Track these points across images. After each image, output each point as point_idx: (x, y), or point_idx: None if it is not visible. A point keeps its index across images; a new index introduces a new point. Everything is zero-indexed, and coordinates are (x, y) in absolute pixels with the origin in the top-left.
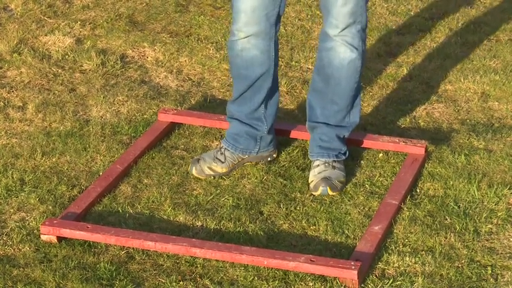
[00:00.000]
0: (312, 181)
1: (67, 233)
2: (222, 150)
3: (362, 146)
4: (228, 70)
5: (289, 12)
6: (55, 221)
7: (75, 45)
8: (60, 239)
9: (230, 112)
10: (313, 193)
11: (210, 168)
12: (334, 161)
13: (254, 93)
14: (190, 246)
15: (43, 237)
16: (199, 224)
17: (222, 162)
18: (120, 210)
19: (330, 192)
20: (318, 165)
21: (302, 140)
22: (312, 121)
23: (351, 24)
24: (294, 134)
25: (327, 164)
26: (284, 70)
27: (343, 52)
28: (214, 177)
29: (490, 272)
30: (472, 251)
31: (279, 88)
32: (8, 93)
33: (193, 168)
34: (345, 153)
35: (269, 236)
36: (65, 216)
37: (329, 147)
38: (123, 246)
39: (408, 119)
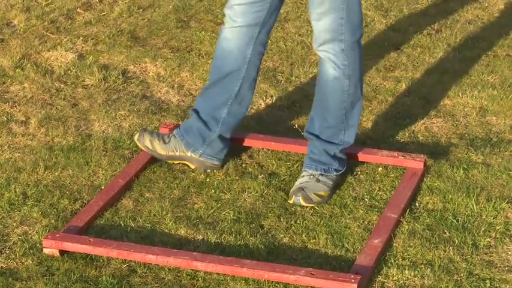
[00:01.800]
0: (292, 189)
1: (69, 246)
2: (171, 135)
3: (361, 160)
4: None
5: (289, 28)
6: (57, 235)
7: (77, 60)
8: (62, 252)
9: (195, 103)
10: (289, 201)
11: (150, 142)
12: (321, 174)
13: (220, 92)
14: (191, 259)
15: (45, 251)
16: (200, 237)
17: (164, 143)
18: (122, 224)
19: (303, 203)
20: (303, 175)
21: (302, 154)
22: (308, 132)
23: (330, 41)
24: (292, 148)
25: (311, 176)
26: (284, 85)
27: (327, 68)
28: (153, 156)
29: (488, 285)
30: (470, 265)
31: (248, 109)
32: (11, 108)
33: (138, 134)
34: (337, 170)
35: (269, 249)
36: (67, 230)
37: (318, 160)
38: (125, 260)
39: (407, 134)
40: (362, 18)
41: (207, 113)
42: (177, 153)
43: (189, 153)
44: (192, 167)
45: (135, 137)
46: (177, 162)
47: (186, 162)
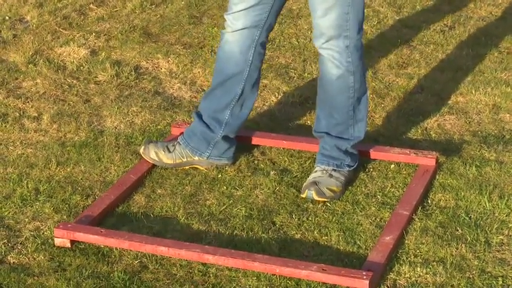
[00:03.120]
0: (304, 184)
1: (81, 236)
2: (175, 142)
3: (374, 157)
4: None
5: (302, 24)
6: (69, 225)
7: (89, 56)
8: (73, 243)
9: (198, 107)
10: (302, 195)
11: (156, 153)
12: (334, 169)
13: (223, 93)
14: (203, 252)
15: (57, 241)
16: (212, 233)
17: (169, 152)
18: (134, 220)
19: (316, 197)
20: (316, 171)
21: (314, 151)
22: (317, 131)
23: (335, 37)
24: (305, 146)
25: (324, 171)
26: (297, 82)
27: (330, 68)
28: (160, 166)
29: (501, 282)
30: (483, 262)
31: (251, 110)
32: (24, 103)
33: (143, 147)
34: (349, 165)
35: (281, 246)
36: (79, 221)
37: (330, 155)
38: (137, 256)
39: (420, 131)
40: (364, 16)
41: (210, 116)
42: (184, 160)
43: (196, 158)
44: (202, 169)
45: (141, 151)
46: (187, 167)
47: (195, 166)
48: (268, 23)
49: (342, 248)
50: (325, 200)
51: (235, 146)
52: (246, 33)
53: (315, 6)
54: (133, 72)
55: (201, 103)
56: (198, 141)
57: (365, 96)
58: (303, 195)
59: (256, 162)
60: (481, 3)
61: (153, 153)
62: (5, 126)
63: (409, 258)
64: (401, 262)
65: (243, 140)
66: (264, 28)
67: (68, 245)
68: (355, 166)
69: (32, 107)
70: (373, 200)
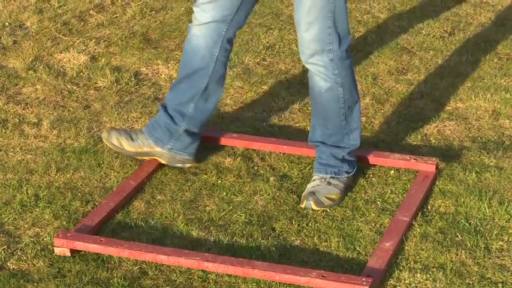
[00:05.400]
0: (303, 194)
1: (80, 246)
2: (138, 132)
3: (373, 163)
4: (241, 87)
5: None
6: (69, 234)
7: (89, 62)
8: (73, 252)
9: (165, 98)
10: (301, 205)
11: (117, 140)
12: (332, 177)
13: (188, 87)
14: (202, 260)
15: (56, 250)
16: (211, 240)
17: (132, 141)
18: (134, 226)
19: (315, 207)
20: (315, 179)
21: (314, 157)
22: (312, 141)
23: (319, 52)
24: (305, 152)
25: (322, 180)
26: (296, 87)
27: (318, 81)
28: (119, 153)
29: None
30: (483, 268)
31: (216, 105)
32: (23, 109)
33: (106, 133)
34: (348, 172)
35: (281, 252)
36: (78, 230)
37: (327, 163)
38: (136, 262)
39: (419, 137)
40: (348, 28)
41: (174, 108)
42: (145, 149)
43: (158, 149)
44: (163, 162)
45: (103, 136)
46: (147, 158)
47: (156, 158)
48: (236, 19)
49: (341, 254)
50: (324, 209)
51: (198, 144)
52: (213, 27)
53: (299, 20)
54: (133, 78)
55: (167, 95)
56: (161, 132)
57: (357, 105)
58: (302, 206)
59: (256, 168)
60: (480, 9)
61: (115, 139)
62: (5, 132)
63: (409, 264)
64: (401, 268)
65: (242, 145)
66: (231, 24)
67: (68, 254)
68: (353, 172)
69: (31, 113)
70: (373, 206)
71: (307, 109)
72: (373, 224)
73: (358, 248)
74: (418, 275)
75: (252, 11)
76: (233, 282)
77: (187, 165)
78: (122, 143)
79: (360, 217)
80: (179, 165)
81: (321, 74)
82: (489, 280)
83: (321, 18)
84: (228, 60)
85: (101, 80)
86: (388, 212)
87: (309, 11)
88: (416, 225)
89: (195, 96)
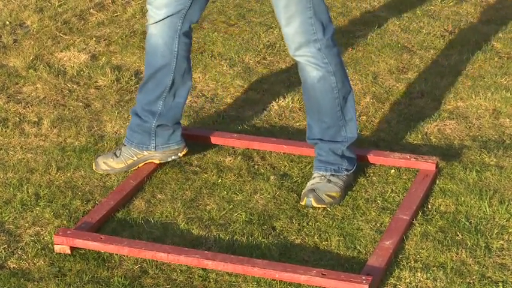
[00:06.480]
0: (303, 191)
1: (80, 243)
2: (121, 145)
3: (374, 162)
4: (241, 86)
5: None
6: (68, 232)
7: (90, 61)
8: (72, 250)
9: (136, 101)
10: (301, 203)
11: (105, 163)
12: (332, 175)
13: (155, 86)
14: (202, 258)
15: (56, 248)
16: (212, 238)
17: (117, 157)
18: (134, 225)
19: (315, 205)
20: (315, 177)
21: (314, 156)
22: (310, 139)
23: (305, 44)
24: (305, 151)
25: (322, 177)
26: (297, 86)
27: (310, 71)
28: (110, 173)
29: None
30: (483, 267)
31: (187, 98)
32: (24, 108)
33: (94, 164)
34: (347, 169)
35: (281, 251)
36: (78, 228)
37: (327, 161)
38: (137, 261)
39: (420, 136)
40: (329, 16)
41: (144, 108)
42: (135, 158)
43: (144, 153)
44: (157, 161)
45: (94, 168)
46: (142, 164)
47: (149, 161)
48: (190, 13)
49: (342, 253)
50: (325, 206)
51: (180, 130)
52: (168, 23)
53: (279, 16)
54: (133, 77)
55: (136, 97)
56: (139, 136)
57: (351, 95)
58: (302, 203)
59: (256, 167)
60: (481, 8)
61: (103, 164)
62: (5, 131)
63: (409, 263)
64: (402, 267)
65: (243, 144)
66: (185, 18)
67: (68, 251)
68: (353, 170)
69: (32, 111)
70: (373, 205)
71: None
72: (374, 223)
73: (358, 247)
74: (419, 274)
75: (206, 6)
76: (233, 281)
77: (180, 154)
78: (110, 165)
79: (360, 216)
80: (173, 157)
81: (312, 64)
82: (489, 279)
83: (300, 11)
84: (189, 53)
85: (101, 79)
86: (389, 211)
87: (286, 7)
88: (417, 224)
89: (162, 93)
